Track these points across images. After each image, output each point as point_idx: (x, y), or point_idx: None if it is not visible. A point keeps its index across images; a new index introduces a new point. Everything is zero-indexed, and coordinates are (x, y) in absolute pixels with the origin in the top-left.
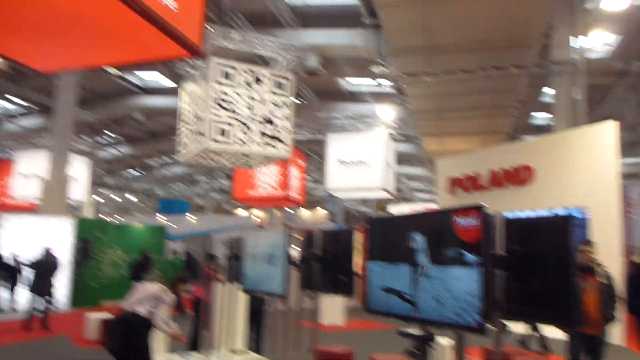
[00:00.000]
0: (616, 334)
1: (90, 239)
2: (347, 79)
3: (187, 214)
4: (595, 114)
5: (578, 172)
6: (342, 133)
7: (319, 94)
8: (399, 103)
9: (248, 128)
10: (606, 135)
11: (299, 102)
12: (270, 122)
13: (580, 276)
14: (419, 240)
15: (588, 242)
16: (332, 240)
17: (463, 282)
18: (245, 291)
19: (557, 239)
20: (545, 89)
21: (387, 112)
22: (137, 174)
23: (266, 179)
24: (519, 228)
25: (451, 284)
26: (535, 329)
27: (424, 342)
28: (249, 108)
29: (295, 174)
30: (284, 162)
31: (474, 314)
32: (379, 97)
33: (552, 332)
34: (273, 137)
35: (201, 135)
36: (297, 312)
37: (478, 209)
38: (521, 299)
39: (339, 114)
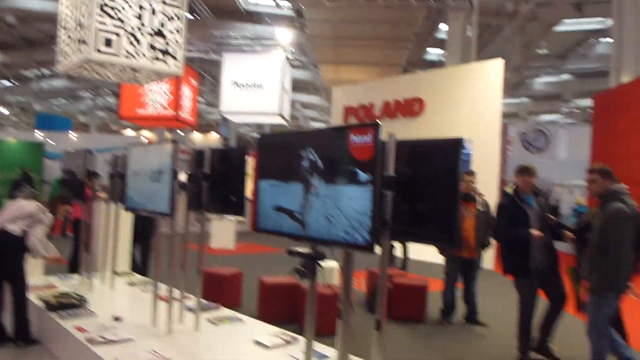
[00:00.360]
0: (488, 259)
1: None
2: None
3: (69, 131)
4: (482, 54)
5: (465, 106)
6: (238, 53)
7: (215, 12)
8: (298, 27)
9: (136, 40)
10: (492, 73)
11: (193, 18)
12: (160, 34)
13: (461, 203)
14: (312, 158)
15: (470, 172)
16: (223, 160)
17: (354, 201)
18: (128, 210)
19: (445, 162)
20: (442, 25)
21: (286, 35)
22: (10, 85)
23: (156, 98)
24: (410, 151)
25: (343, 203)
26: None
27: (313, 261)
28: (138, 18)
29: (187, 94)
30: (175, 81)
31: (363, 232)
32: (278, 19)
33: (431, 257)
34: (164, 52)
35: (84, 44)
36: (184, 236)
37: (374, 127)
38: (407, 220)
39: (235, 33)
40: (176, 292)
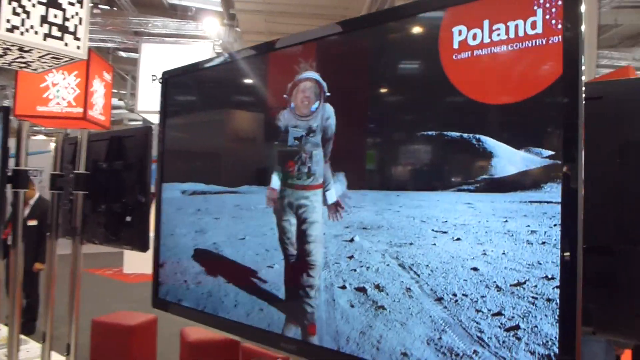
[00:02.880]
0: None
1: None
2: None
3: None
4: None
5: None
6: (159, 44)
7: (135, 3)
8: (227, 24)
9: (23, 9)
10: None
11: (108, 7)
12: (56, 6)
13: None
14: (321, 121)
15: None
16: (113, 153)
17: (477, 245)
18: None
19: None
20: None
21: (213, 26)
22: None
23: (61, 92)
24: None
25: (433, 252)
26: None
27: None
28: None
29: (99, 90)
30: (85, 73)
31: (539, 349)
32: (205, 13)
33: None
34: (61, 28)
35: None
36: (50, 272)
37: None
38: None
39: (158, 26)
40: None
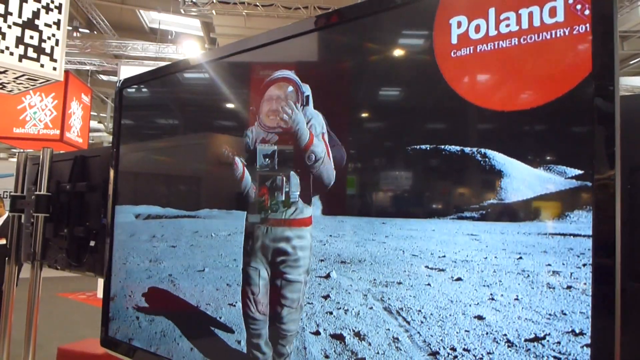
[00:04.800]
0: None
1: None
2: (150, 13)
3: None
4: None
5: None
6: (139, 67)
7: (116, 27)
8: (208, 48)
9: None
10: None
11: (88, 31)
12: (33, 27)
13: None
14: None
15: None
16: (78, 173)
17: (483, 287)
18: None
19: None
20: None
21: (194, 51)
22: None
23: (38, 114)
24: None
25: (426, 293)
26: None
27: None
28: (2, 2)
29: (77, 111)
30: (62, 95)
31: None
32: (185, 37)
33: None
34: (37, 49)
35: None
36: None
37: None
38: None
39: (137, 50)
40: None
